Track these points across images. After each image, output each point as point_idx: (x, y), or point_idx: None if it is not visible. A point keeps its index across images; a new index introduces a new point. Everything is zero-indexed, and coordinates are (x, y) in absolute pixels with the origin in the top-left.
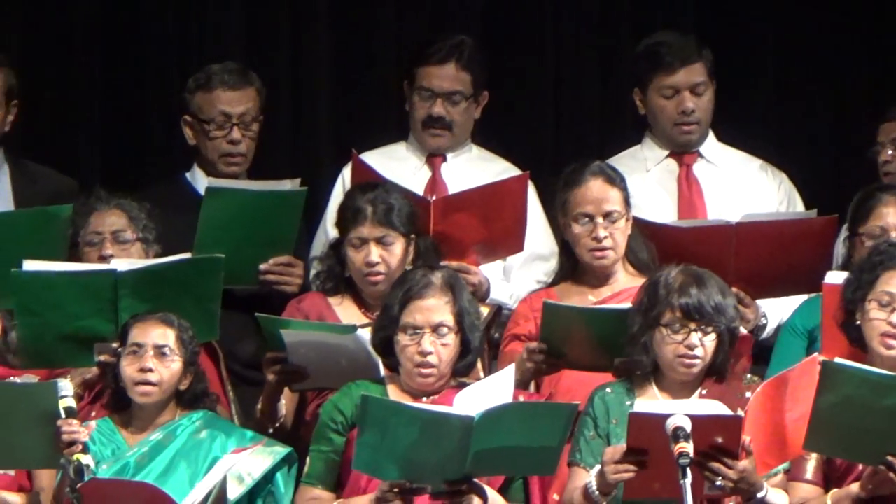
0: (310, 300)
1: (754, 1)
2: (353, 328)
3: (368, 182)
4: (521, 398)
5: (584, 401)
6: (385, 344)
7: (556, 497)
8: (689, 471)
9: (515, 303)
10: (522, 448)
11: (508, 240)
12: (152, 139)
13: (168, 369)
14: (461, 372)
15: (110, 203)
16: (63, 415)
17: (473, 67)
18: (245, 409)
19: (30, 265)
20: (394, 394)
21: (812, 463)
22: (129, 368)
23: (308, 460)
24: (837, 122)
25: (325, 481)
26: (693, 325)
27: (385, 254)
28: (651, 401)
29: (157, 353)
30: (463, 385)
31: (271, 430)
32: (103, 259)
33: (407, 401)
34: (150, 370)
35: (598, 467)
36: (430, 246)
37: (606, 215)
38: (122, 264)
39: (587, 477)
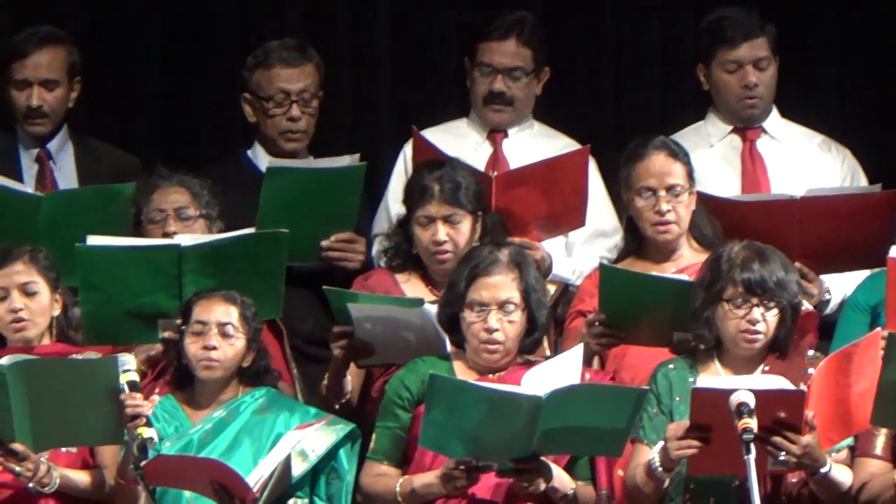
0: (377, 277)
1: None
2: (420, 301)
3: (436, 160)
4: (588, 376)
5: (648, 377)
6: (451, 320)
7: (620, 473)
8: (752, 446)
9: (578, 279)
10: (589, 429)
11: (570, 215)
12: (213, 117)
13: (232, 347)
14: (528, 349)
15: (172, 180)
16: (126, 389)
17: (534, 43)
18: (309, 386)
19: (94, 240)
20: (460, 370)
21: (881, 438)
22: (192, 346)
23: (374, 436)
24: None
25: (390, 457)
26: (755, 301)
27: (452, 232)
28: (714, 377)
29: (220, 330)
30: (529, 362)
31: (337, 407)
32: (166, 236)
33: (473, 377)
34: (215, 348)
35: (661, 444)
36: (497, 223)
37: (669, 189)
38: (186, 239)
39: (650, 453)
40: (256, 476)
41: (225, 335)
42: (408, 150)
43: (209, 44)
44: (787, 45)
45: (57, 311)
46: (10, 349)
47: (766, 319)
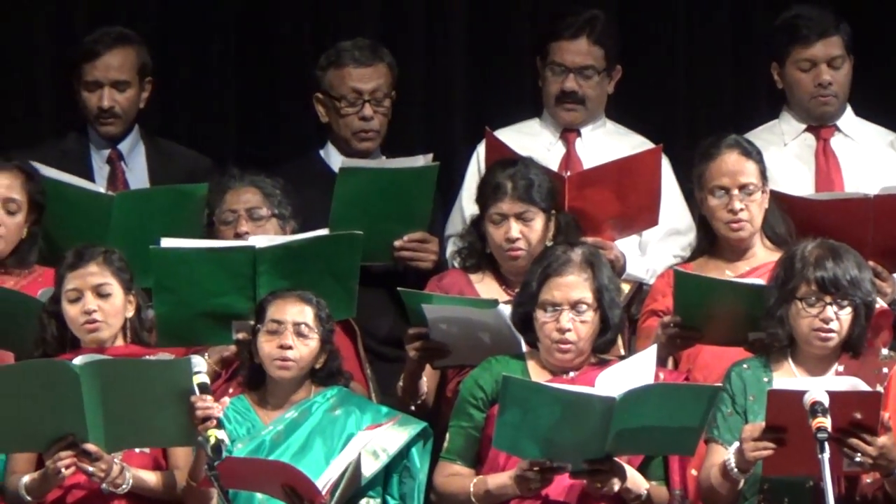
0: (451, 277)
1: None
2: (494, 302)
3: (509, 158)
4: (662, 376)
5: (721, 376)
6: (524, 320)
7: (693, 473)
8: (827, 446)
9: (652, 278)
10: (663, 428)
11: (643, 214)
12: (287, 116)
13: (306, 347)
14: (601, 349)
15: (244, 180)
16: (197, 391)
17: (606, 42)
18: (382, 386)
19: (168, 242)
20: (534, 370)
21: None
22: (267, 345)
23: (448, 436)
24: None
25: (464, 457)
26: (829, 299)
27: (525, 229)
28: (790, 378)
29: (295, 330)
30: (603, 362)
31: (413, 408)
32: (239, 236)
33: (546, 377)
34: (290, 347)
35: (736, 444)
36: (570, 222)
37: (742, 188)
38: (260, 240)
39: (725, 454)
40: (327, 477)
41: (300, 335)
42: (481, 150)
43: (283, 43)
44: (862, 43)
45: (130, 313)
46: (84, 350)
47: (839, 318)
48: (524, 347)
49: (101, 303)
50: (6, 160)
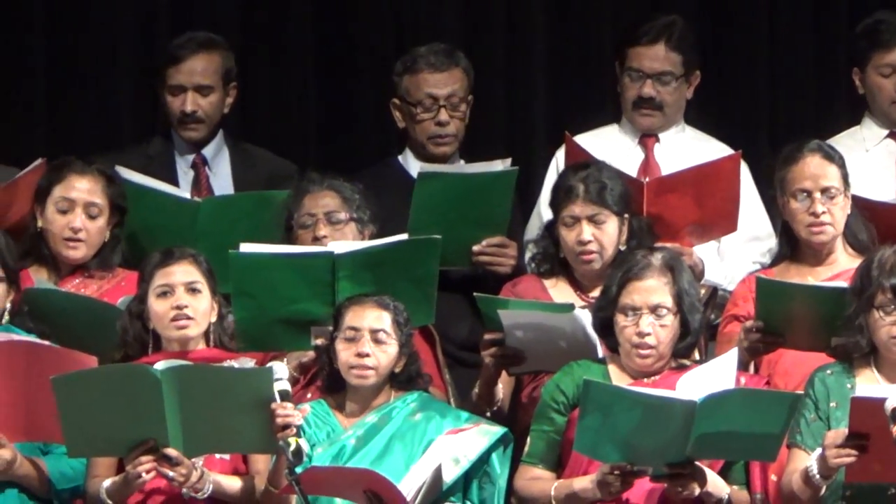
0: (525, 283)
1: None
2: (570, 307)
3: (582, 162)
4: (743, 380)
5: (802, 381)
6: (605, 325)
7: (773, 478)
8: None
9: (730, 284)
10: (744, 433)
11: (722, 220)
12: (368, 122)
13: (385, 354)
14: (681, 353)
15: (323, 184)
16: (278, 398)
17: (684, 47)
18: (461, 391)
19: (247, 247)
20: (615, 374)
21: None
22: (344, 353)
23: (528, 440)
24: None
25: (545, 461)
26: None
27: (597, 232)
28: (873, 384)
29: (373, 336)
30: (683, 367)
31: (488, 414)
32: (317, 241)
33: (627, 381)
34: (367, 355)
35: (818, 451)
36: (644, 226)
37: (824, 191)
38: (339, 246)
39: (807, 460)
40: (407, 482)
41: (377, 341)
42: (560, 155)
43: (365, 48)
44: None
45: (214, 318)
46: (165, 353)
47: None
48: (600, 353)
49: (192, 299)
50: (87, 164)
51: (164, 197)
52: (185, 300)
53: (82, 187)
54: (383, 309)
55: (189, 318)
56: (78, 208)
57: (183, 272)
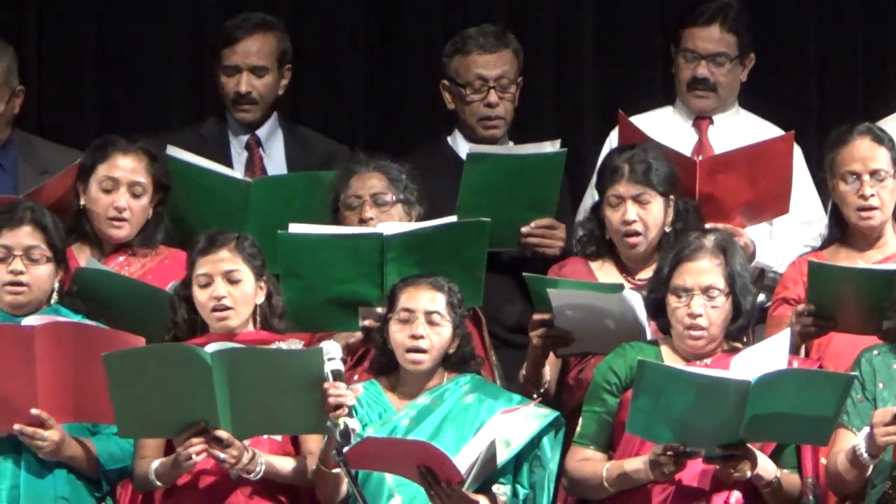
0: (571, 265)
1: None
2: (620, 287)
3: (629, 143)
4: (795, 363)
5: (851, 365)
6: (657, 306)
7: (824, 462)
8: None
9: (781, 266)
10: (797, 415)
11: (774, 201)
12: (418, 103)
13: (439, 336)
14: (734, 335)
15: (370, 166)
16: (330, 377)
17: (739, 29)
18: (508, 373)
19: (296, 228)
20: (667, 356)
21: None
22: (399, 334)
23: (580, 420)
24: None
25: (597, 442)
26: None
27: (642, 212)
28: None
29: (427, 318)
30: (735, 349)
31: (535, 396)
32: (363, 223)
33: (680, 364)
34: (422, 337)
35: (866, 430)
36: (690, 207)
37: (873, 173)
38: (389, 227)
39: (855, 439)
40: (463, 459)
41: (432, 323)
42: (614, 136)
43: (414, 29)
44: None
45: (261, 299)
46: (213, 336)
47: None
48: (649, 335)
49: (231, 289)
50: (131, 142)
51: (216, 176)
52: (224, 290)
53: (126, 166)
54: (438, 290)
55: (228, 308)
56: (122, 187)
57: (223, 261)
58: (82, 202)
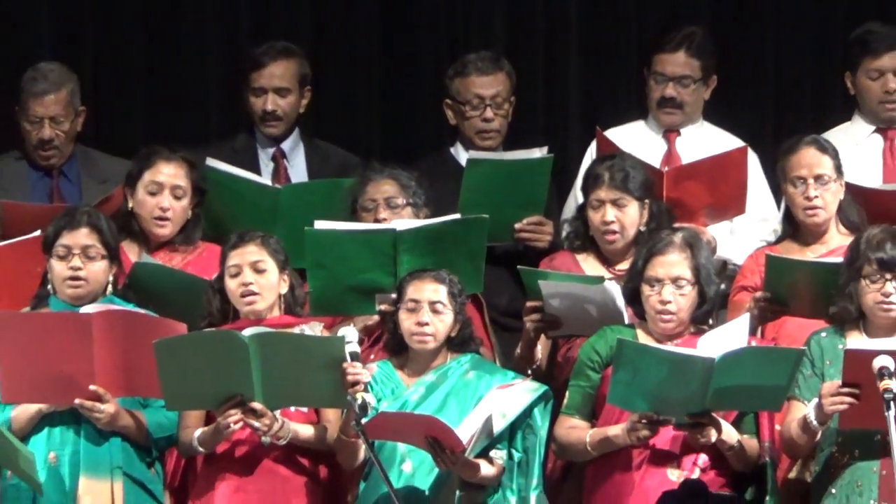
0: (560, 258)
1: None
2: (601, 279)
3: (609, 153)
4: (753, 343)
5: (803, 344)
6: (633, 294)
7: (778, 428)
8: (892, 405)
9: (740, 259)
10: (755, 387)
11: (732, 203)
12: (425, 118)
13: (442, 322)
14: (699, 319)
15: (384, 173)
16: (349, 358)
17: (702, 55)
18: (504, 352)
19: (320, 224)
20: (642, 337)
21: None
22: (407, 321)
23: (567, 394)
24: None
25: (581, 412)
26: (889, 276)
27: (620, 214)
28: (864, 339)
29: (431, 307)
30: (701, 331)
31: (529, 372)
32: (377, 222)
33: (653, 343)
34: (427, 323)
35: (815, 401)
36: (662, 210)
37: (817, 178)
38: (401, 224)
39: (806, 409)
40: (464, 430)
41: (435, 311)
42: (593, 147)
43: (421, 55)
44: None
45: (284, 289)
46: (243, 322)
47: None
48: (626, 319)
49: (258, 277)
50: (172, 151)
51: (250, 184)
52: (251, 278)
53: (169, 172)
54: (440, 283)
55: (254, 293)
56: (165, 190)
57: (250, 253)
58: (130, 205)
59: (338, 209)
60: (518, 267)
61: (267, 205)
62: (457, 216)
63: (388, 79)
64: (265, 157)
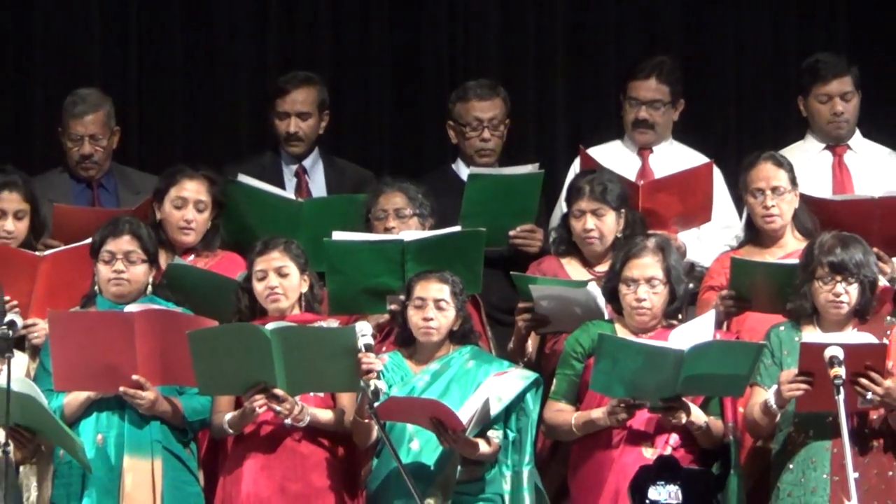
0: (546, 262)
1: None
2: (584, 283)
3: (591, 168)
4: (718, 336)
5: (763, 337)
6: (611, 293)
7: (741, 410)
8: (842, 390)
9: (707, 261)
10: (720, 375)
11: (700, 213)
12: (429, 139)
13: (445, 318)
14: (670, 315)
15: (394, 186)
16: (363, 349)
17: (671, 81)
18: (499, 343)
19: (338, 235)
20: (620, 331)
21: None
22: (414, 317)
23: (554, 381)
24: None
25: (567, 397)
26: (839, 278)
27: (599, 223)
28: (817, 332)
29: (436, 304)
30: (672, 326)
31: (521, 363)
32: (388, 230)
33: (630, 336)
34: (431, 319)
35: (774, 387)
36: (637, 218)
37: (774, 190)
38: (408, 235)
39: (766, 394)
40: (465, 412)
41: (439, 308)
42: (576, 164)
43: (427, 83)
44: (869, 80)
45: (305, 289)
46: (269, 318)
47: (848, 292)
48: (606, 316)
49: (282, 280)
50: (195, 170)
51: (276, 198)
52: (275, 282)
53: (192, 188)
54: (443, 282)
55: (279, 294)
56: (189, 204)
57: (274, 259)
58: (158, 216)
59: (353, 220)
60: (511, 273)
61: (291, 216)
62: (457, 229)
63: (397, 103)
64: (289, 174)
